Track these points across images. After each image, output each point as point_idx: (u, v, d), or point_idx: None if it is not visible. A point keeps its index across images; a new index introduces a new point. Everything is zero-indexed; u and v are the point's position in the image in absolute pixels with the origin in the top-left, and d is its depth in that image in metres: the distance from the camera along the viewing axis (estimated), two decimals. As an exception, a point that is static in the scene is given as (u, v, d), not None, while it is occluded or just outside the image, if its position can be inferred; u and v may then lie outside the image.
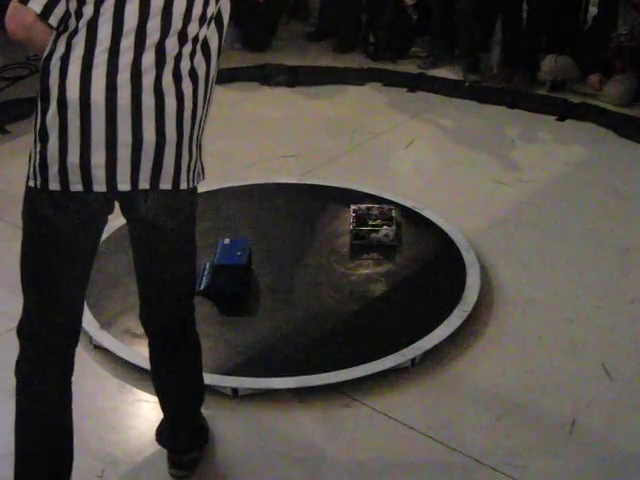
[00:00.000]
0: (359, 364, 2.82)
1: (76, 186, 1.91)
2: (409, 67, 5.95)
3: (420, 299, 3.25)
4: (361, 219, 3.64)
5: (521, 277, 3.44)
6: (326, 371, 2.80)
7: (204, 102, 2.00)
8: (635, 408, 2.74)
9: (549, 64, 5.44)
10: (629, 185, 4.24)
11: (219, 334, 3.00)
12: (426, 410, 2.73)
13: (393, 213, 3.69)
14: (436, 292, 3.29)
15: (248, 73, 5.78)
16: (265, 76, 5.72)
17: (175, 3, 1.89)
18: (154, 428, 2.50)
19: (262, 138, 4.82)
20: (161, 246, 2.13)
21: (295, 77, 5.72)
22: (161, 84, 1.90)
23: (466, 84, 5.59)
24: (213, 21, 1.97)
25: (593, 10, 5.69)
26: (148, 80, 1.88)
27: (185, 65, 1.93)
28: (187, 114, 1.95)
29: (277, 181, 4.15)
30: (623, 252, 3.63)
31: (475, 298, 3.18)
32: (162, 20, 1.88)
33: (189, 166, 2.01)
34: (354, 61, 6.07)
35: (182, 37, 1.91)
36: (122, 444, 2.59)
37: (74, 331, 2.13)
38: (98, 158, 1.89)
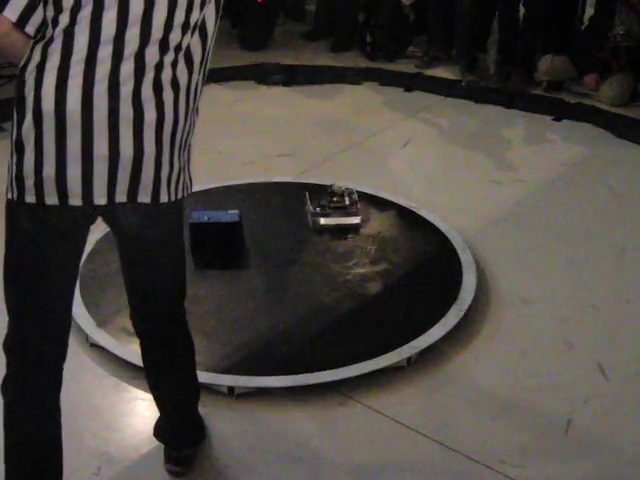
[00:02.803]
0: (355, 363, 2.82)
1: (52, 199, 1.87)
2: (406, 67, 5.97)
3: (416, 298, 3.25)
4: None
5: (517, 277, 3.45)
6: (322, 370, 2.80)
7: (186, 113, 1.93)
8: (630, 407, 2.74)
9: (545, 64, 5.45)
10: (625, 185, 4.25)
11: (215, 332, 3.00)
12: (422, 409, 2.74)
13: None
14: (432, 291, 3.29)
15: (245, 72, 5.79)
16: (262, 75, 5.73)
17: (155, 10, 1.82)
18: (150, 426, 2.50)
19: (259, 137, 4.82)
20: (145, 256, 2.10)
21: (292, 76, 5.73)
22: (140, 95, 1.84)
23: (463, 84, 5.61)
24: (197, 30, 1.91)
25: (589, 10, 5.70)
26: (126, 91, 1.83)
27: (167, 75, 1.87)
28: (167, 126, 1.89)
29: (274, 180, 4.15)
30: (619, 252, 3.63)
31: (471, 297, 3.19)
32: (142, 28, 1.82)
33: (169, 179, 1.95)
34: (351, 60, 6.08)
35: (163, 45, 1.85)
36: (118, 442, 2.59)
37: (61, 344, 2.09)
38: (74, 171, 1.84)
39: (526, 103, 5.29)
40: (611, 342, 3.06)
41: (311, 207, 3.75)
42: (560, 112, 5.14)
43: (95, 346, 2.96)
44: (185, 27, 1.87)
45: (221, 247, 3.48)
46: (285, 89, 5.63)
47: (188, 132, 1.98)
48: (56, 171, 1.84)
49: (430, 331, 2.99)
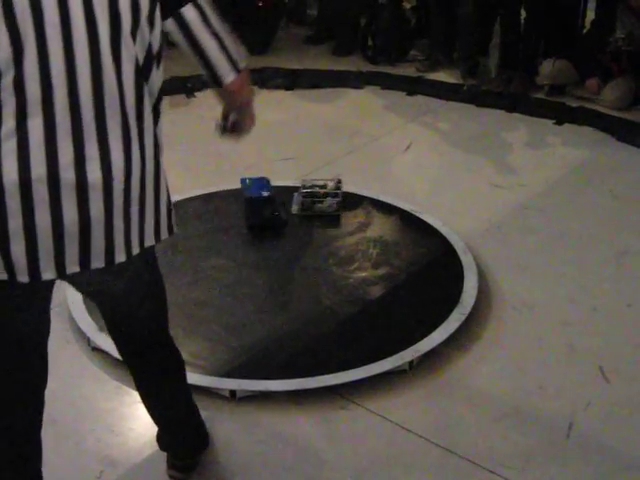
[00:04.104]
0: (357, 366, 2.82)
1: (0, 275, 1.77)
2: (408, 70, 5.98)
3: (418, 302, 3.25)
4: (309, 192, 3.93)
5: (519, 280, 3.45)
6: (324, 373, 2.80)
7: (142, 165, 1.81)
8: (632, 411, 2.74)
9: (547, 68, 5.46)
10: (627, 189, 4.25)
11: (217, 336, 3.01)
12: (424, 412, 2.74)
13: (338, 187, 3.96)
14: (434, 295, 3.29)
15: (247, 76, 5.79)
16: (264, 79, 5.74)
17: (77, 61, 1.68)
18: (152, 429, 2.49)
19: (260, 141, 4.78)
20: (113, 306, 2.07)
21: (294, 80, 5.74)
22: (82, 157, 1.71)
23: (464, 88, 5.61)
24: (138, 75, 1.77)
25: (591, 15, 5.71)
26: (66, 157, 1.70)
27: (113, 130, 1.74)
28: (117, 186, 1.77)
29: (275, 184, 4.15)
30: (620, 255, 3.64)
31: (473, 301, 3.19)
32: (69, 84, 1.68)
33: (127, 237, 1.84)
34: (353, 64, 6.09)
35: (99, 99, 1.72)
36: (120, 446, 2.59)
37: (37, 405, 2.07)
38: (17, 246, 1.74)
39: (528, 107, 5.29)
40: (613, 345, 3.06)
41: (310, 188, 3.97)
42: (562, 116, 5.15)
43: (97, 350, 2.97)
44: (119, 75, 1.74)
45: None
46: (287, 93, 5.64)
47: (154, 181, 1.86)
48: (1, 246, 1.74)
49: (432, 335, 2.99)
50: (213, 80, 1.93)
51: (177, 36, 1.84)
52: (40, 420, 2.09)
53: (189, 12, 1.82)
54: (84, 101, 1.70)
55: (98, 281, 1.94)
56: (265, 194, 3.77)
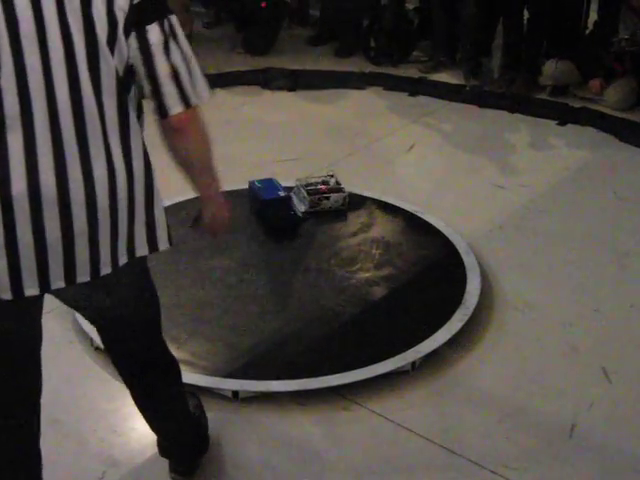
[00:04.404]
0: (359, 367, 2.82)
1: None
2: (410, 71, 5.98)
3: (420, 302, 3.25)
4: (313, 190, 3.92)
5: (521, 281, 3.45)
6: (326, 374, 2.80)
7: (130, 181, 1.77)
8: (635, 412, 2.74)
9: (550, 69, 5.46)
10: (629, 189, 4.25)
11: (219, 337, 3.01)
12: (426, 413, 2.74)
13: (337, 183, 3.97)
14: (436, 296, 3.29)
15: (249, 77, 5.80)
16: (266, 80, 5.75)
17: (54, 73, 1.65)
18: (155, 430, 2.51)
19: (263, 142, 4.83)
20: (104, 319, 2.04)
21: (296, 81, 5.74)
22: (64, 172, 1.68)
23: (467, 88, 5.61)
24: (122, 88, 1.73)
25: (593, 15, 5.70)
26: (47, 172, 1.67)
27: (95, 144, 1.70)
28: (102, 200, 1.73)
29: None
30: (623, 256, 3.63)
31: (475, 302, 3.19)
32: (47, 99, 1.64)
33: (114, 249, 1.81)
34: (355, 65, 6.09)
35: (78, 112, 1.68)
36: (123, 446, 2.59)
37: (33, 417, 2.04)
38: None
39: (530, 108, 5.29)
40: (615, 346, 3.06)
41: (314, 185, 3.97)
42: (564, 116, 5.14)
43: (100, 350, 2.97)
44: (96, 85, 1.69)
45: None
46: (289, 94, 5.65)
47: (145, 191, 1.83)
48: None
49: (434, 335, 2.98)
50: (158, 110, 1.79)
51: (135, 54, 1.74)
52: (38, 424, 2.07)
53: (153, 33, 1.73)
54: (63, 114, 1.67)
55: (85, 296, 1.92)
56: (281, 194, 3.80)
